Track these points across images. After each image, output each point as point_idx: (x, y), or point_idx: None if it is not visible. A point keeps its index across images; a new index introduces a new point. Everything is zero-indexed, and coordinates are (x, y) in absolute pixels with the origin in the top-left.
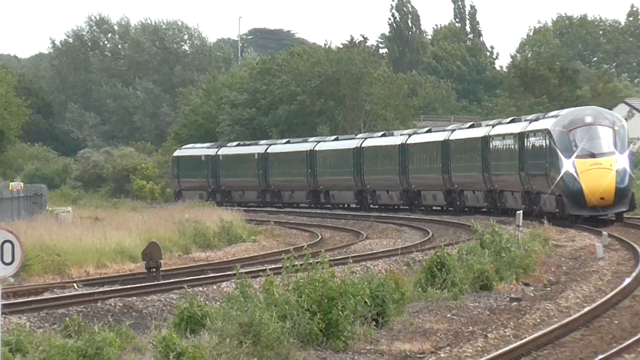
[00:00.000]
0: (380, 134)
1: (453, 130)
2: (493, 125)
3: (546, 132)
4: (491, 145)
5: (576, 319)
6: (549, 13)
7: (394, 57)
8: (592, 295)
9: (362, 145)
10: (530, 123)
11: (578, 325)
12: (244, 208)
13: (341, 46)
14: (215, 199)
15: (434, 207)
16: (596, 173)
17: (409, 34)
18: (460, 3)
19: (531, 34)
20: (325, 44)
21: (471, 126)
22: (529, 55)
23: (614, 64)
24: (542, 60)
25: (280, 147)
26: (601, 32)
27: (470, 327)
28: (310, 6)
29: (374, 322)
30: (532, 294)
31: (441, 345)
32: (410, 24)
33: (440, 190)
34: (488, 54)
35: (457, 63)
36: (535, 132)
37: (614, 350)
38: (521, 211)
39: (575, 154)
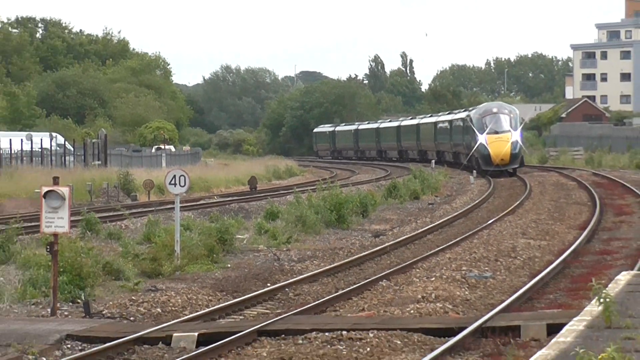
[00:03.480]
0: (410, 117)
1: (437, 115)
2: (439, 115)
3: (469, 118)
4: (439, 127)
5: (460, 213)
6: (447, 63)
7: (371, 85)
8: (468, 201)
9: (400, 125)
10: (456, 114)
11: (461, 216)
12: (343, 160)
13: (345, 79)
14: (334, 155)
15: (432, 161)
16: (498, 143)
17: (379, 73)
18: (404, 58)
19: (438, 73)
20: (337, 78)
21: (428, 116)
22: (438, 84)
23: (479, 88)
24: (444, 86)
25: (363, 126)
26: (473, 72)
27: (409, 217)
28: (328, 57)
29: (362, 215)
30: (439, 201)
31: (394, 226)
32: (379, 68)
33: (417, 150)
34: (418, 82)
35: (403, 88)
36: (461, 119)
37: (478, 228)
38: (434, 160)
39: (486, 132)
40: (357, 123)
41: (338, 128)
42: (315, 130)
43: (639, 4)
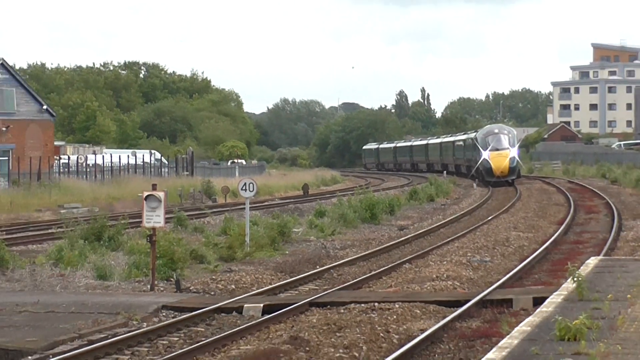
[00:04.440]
0: (436, 137)
1: (444, 136)
2: (456, 135)
3: (475, 138)
4: (455, 145)
5: (466, 212)
6: (456, 96)
7: (397, 113)
8: (472, 203)
9: (427, 143)
10: (469, 134)
11: (467, 214)
12: (384, 171)
13: (377, 109)
14: (378, 167)
15: (444, 172)
16: (499, 159)
17: (403, 104)
18: (423, 92)
19: (449, 104)
20: (371, 108)
21: (448, 136)
22: (448, 112)
23: (480, 116)
24: (453, 114)
25: (400, 144)
26: (475, 103)
27: (426, 215)
28: (364, 91)
29: (390, 213)
30: (449, 203)
31: (415, 221)
32: (403, 100)
33: (440, 163)
34: (433, 111)
35: (422, 115)
36: (471, 139)
37: (480, 223)
38: (445, 171)
39: (488, 149)
40: (395, 142)
41: (381, 146)
42: (364, 147)
43: (604, 50)
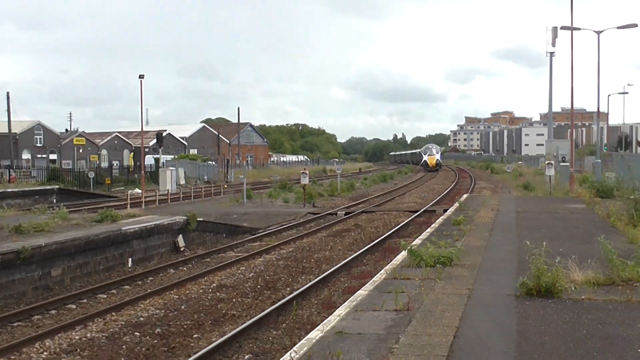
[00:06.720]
0: (413, 150)
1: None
2: (419, 149)
3: (421, 151)
4: (414, 153)
5: (417, 179)
6: (416, 135)
7: (394, 141)
8: (420, 177)
9: (411, 152)
10: (419, 149)
11: (417, 180)
12: (396, 165)
13: (385, 140)
14: (396, 163)
15: (410, 164)
16: (431, 159)
17: (397, 139)
18: (404, 135)
19: (413, 138)
20: (384, 139)
21: (415, 150)
22: (412, 142)
23: (423, 142)
24: (414, 142)
25: (401, 152)
26: (422, 139)
27: (403, 180)
28: (381, 133)
29: (391, 179)
30: (411, 175)
31: (400, 182)
32: (396, 137)
33: (414, 162)
34: (407, 141)
35: (403, 142)
36: (420, 151)
37: (423, 183)
38: (408, 164)
39: (427, 155)
40: (400, 152)
41: (396, 153)
42: (390, 153)
43: (470, 119)
